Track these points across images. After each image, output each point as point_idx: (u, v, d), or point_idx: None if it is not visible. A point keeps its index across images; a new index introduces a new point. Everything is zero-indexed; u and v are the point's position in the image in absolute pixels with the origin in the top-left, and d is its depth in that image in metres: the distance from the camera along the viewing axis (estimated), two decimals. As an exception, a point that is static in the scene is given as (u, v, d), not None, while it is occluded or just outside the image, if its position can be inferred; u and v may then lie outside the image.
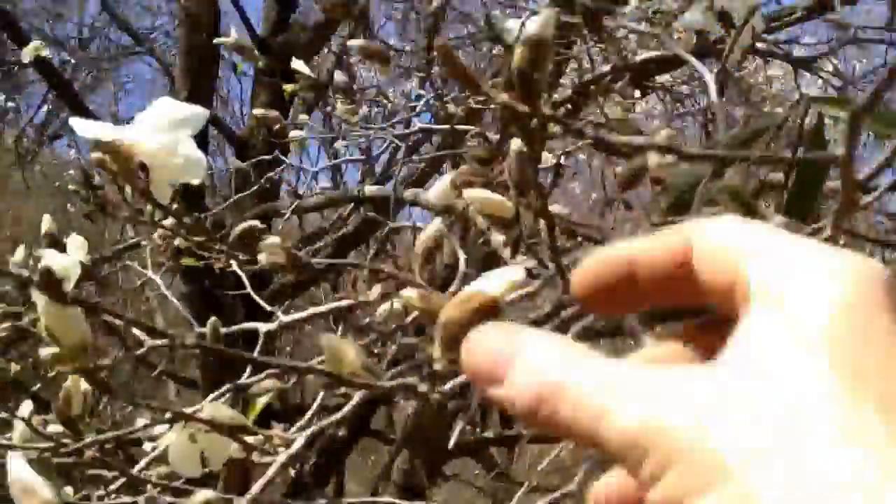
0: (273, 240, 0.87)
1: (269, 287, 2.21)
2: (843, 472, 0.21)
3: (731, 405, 0.23)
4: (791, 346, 0.24)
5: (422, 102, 1.55)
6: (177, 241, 1.18)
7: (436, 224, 0.67)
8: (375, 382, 0.46)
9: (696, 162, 0.49)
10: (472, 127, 1.48)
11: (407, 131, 1.49)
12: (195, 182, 0.65)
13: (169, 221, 1.02)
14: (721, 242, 0.28)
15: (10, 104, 6.62)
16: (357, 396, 0.61)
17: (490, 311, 0.39)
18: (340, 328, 0.99)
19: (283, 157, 1.60)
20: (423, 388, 0.47)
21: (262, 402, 0.66)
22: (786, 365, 0.23)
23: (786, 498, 0.21)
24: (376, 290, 0.63)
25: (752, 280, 0.26)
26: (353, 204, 2.17)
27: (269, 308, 1.18)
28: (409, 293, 0.53)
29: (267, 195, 2.21)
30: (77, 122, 0.60)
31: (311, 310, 1.11)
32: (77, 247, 1.07)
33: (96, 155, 0.62)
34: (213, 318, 0.71)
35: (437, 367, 0.44)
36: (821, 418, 0.22)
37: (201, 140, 2.55)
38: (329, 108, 3.13)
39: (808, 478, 0.22)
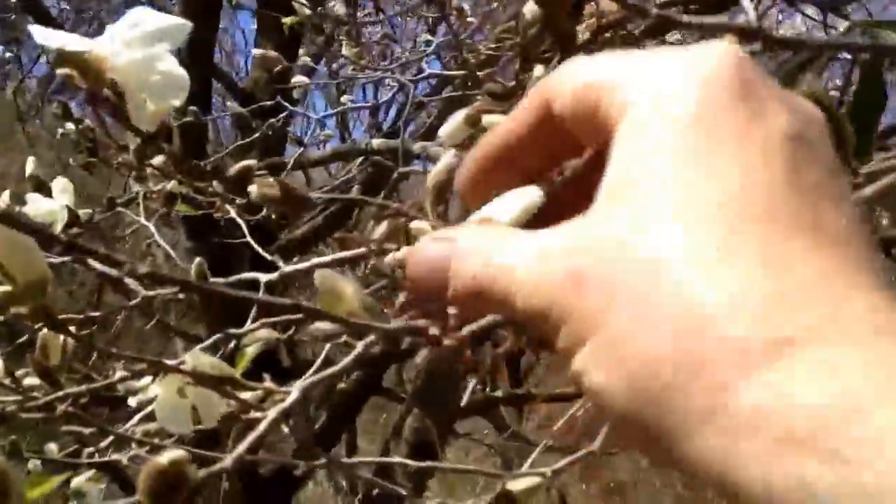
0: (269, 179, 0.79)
1: (275, 243, 2.13)
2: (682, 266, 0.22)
3: (590, 264, 0.24)
4: (648, 176, 0.24)
5: (431, 48, 1.46)
6: (170, 186, 1.10)
7: (449, 156, 0.59)
8: (381, 325, 0.38)
9: (781, 49, 0.41)
10: (486, 71, 1.40)
11: (417, 77, 1.41)
12: (175, 104, 0.57)
13: (158, 160, 0.94)
14: (585, 79, 0.27)
15: (8, 54, 6.48)
16: (359, 346, 0.53)
17: None
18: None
19: (287, 104, 1.52)
20: (434, 331, 0.39)
21: (251, 352, 0.58)
22: (642, 199, 0.24)
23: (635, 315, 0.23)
24: (382, 227, 0.55)
25: (612, 111, 0.25)
26: (360, 158, 2.08)
27: (269, 257, 1.10)
28: (420, 225, 0.44)
29: (271, 148, 2.11)
30: (37, 30, 0.52)
31: (315, 260, 1.03)
32: (62, 190, 1.00)
33: (63, 70, 0.54)
34: (198, 259, 0.64)
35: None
36: (673, 250, 0.23)
37: (204, 92, 2.46)
38: (334, 66, 3.04)
39: (656, 297, 0.22)
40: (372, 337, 0.55)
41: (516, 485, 0.61)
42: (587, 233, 0.25)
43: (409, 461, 0.86)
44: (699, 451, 0.22)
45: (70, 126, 1.36)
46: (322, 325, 0.71)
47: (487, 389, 2.96)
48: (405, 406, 2.61)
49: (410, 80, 1.36)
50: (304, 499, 4.28)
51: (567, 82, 0.28)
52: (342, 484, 4.46)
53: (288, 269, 1.02)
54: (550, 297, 0.25)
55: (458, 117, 0.73)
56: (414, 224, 0.45)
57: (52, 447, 0.99)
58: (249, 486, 2.68)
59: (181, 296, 1.48)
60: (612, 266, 0.24)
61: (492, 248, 0.27)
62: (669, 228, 0.23)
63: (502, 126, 0.31)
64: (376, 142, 1.84)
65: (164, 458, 0.39)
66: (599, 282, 0.24)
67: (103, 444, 0.87)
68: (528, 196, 0.31)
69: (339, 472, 4.35)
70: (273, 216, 1.75)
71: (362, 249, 0.75)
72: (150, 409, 0.80)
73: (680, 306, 0.22)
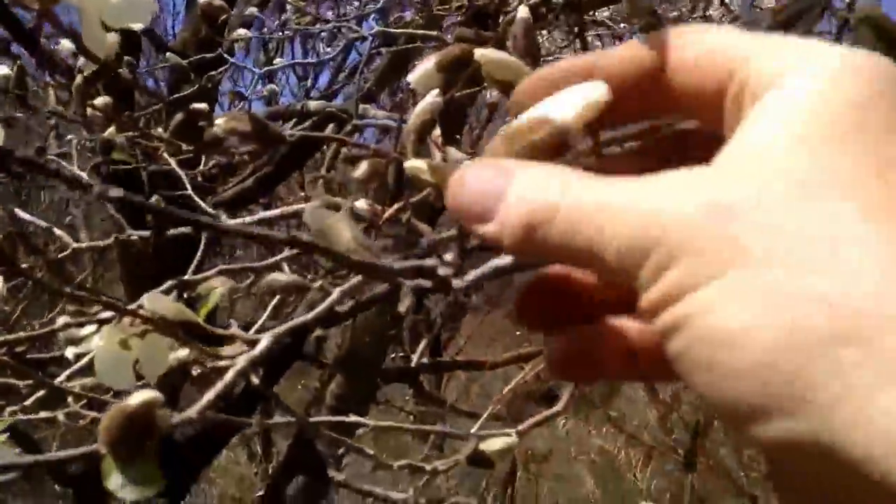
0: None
1: (213, 196, 2.03)
2: (854, 240, 0.20)
3: (739, 199, 0.22)
4: (796, 144, 0.22)
5: (379, 4, 1.40)
6: (108, 133, 1.02)
7: (432, 97, 0.54)
8: (387, 264, 0.34)
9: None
10: (432, 33, 1.35)
11: (361, 33, 1.34)
12: (137, 27, 0.51)
13: (102, 101, 0.87)
14: (712, 47, 0.26)
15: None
16: (335, 294, 0.49)
17: (557, 148, 0.27)
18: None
19: (228, 56, 1.44)
20: (443, 270, 0.35)
21: (213, 300, 0.53)
22: (795, 160, 0.22)
23: (795, 269, 0.20)
24: (362, 167, 0.50)
25: (752, 80, 0.24)
26: (294, 120, 2.01)
27: (212, 212, 1.04)
28: (417, 163, 0.40)
29: (207, 102, 2.01)
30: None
31: (261, 214, 0.98)
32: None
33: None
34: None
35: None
36: (829, 196, 0.21)
37: (133, 49, 2.34)
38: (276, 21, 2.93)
39: (816, 251, 0.20)
40: (347, 286, 0.50)
41: (489, 445, 0.58)
42: (731, 171, 0.23)
43: (365, 420, 0.82)
44: (881, 412, 0.19)
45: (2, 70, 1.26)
46: (278, 277, 0.66)
47: (410, 356, 2.93)
48: (328, 372, 2.56)
49: (371, 33, 1.30)
50: (217, 466, 4.19)
51: (690, 46, 0.26)
52: (256, 451, 4.39)
53: (232, 223, 0.96)
54: (665, 230, 0.22)
55: (427, 64, 0.68)
56: (409, 163, 0.41)
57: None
58: (165, 451, 2.59)
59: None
60: (775, 205, 0.21)
61: (562, 183, 0.25)
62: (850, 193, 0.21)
63: (602, 54, 0.29)
64: (313, 104, 1.77)
65: (134, 399, 0.33)
66: (757, 214, 0.21)
67: (30, 400, 0.80)
68: (593, 91, 0.26)
69: (256, 439, 4.27)
70: (211, 170, 1.66)
71: (303, 206, 0.71)
72: (85, 361, 0.74)
73: (870, 256, 0.20)
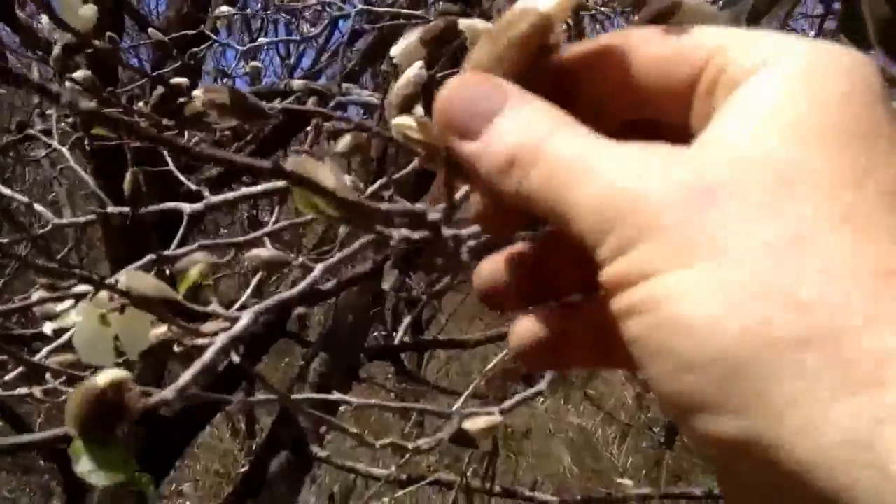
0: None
1: (198, 174, 2.00)
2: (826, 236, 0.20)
3: (716, 187, 0.21)
4: (782, 133, 0.21)
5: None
6: (90, 104, 0.99)
7: (416, 69, 0.53)
8: (373, 204, 0.32)
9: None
10: (418, 12, 1.33)
11: (345, 12, 1.32)
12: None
13: (81, 74, 0.84)
14: (685, 40, 0.25)
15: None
16: (317, 270, 0.47)
17: (540, 43, 0.26)
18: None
19: (210, 34, 1.41)
20: (434, 215, 0.33)
21: (192, 274, 0.51)
22: (775, 154, 0.21)
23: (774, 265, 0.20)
24: (344, 141, 0.49)
25: (729, 71, 0.23)
26: (278, 99, 1.98)
27: (194, 188, 1.02)
28: (405, 120, 0.38)
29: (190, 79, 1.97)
30: None
31: (244, 190, 0.96)
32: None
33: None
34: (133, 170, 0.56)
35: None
36: (809, 197, 0.20)
37: (117, 27, 2.30)
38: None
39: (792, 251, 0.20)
40: (329, 262, 0.49)
41: (474, 424, 0.57)
42: (709, 157, 0.22)
43: (347, 398, 0.81)
44: (831, 424, 0.18)
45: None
46: (260, 252, 0.64)
47: (392, 335, 2.92)
48: (311, 350, 2.55)
49: (355, 11, 1.27)
50: (201, 443, 4.18)
51: (663, 39, 0.25)
52: (240, 427, 4.39)
53: (215, 199, 0.94)
54: (636, 204, 0.21)
55: (411, 37, 0.67)
56: (397, 119, 0.39)
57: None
58: (149, 427, 2.57)
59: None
60: (753, 197, 0.21)
61: (552, 126, 0.24)
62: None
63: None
64: (296, 83, 1.75)
65: (102, 378, 0.31)
66: (733, 204, 0.21)
67: (9, 376, 0.78)
68: None
69: (240, 416, 4.26)
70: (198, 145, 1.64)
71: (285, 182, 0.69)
72: (66, 337, 0.72)
73: (844, 263, 0.20)
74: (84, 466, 0.28)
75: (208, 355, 0.42)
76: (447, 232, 0.33)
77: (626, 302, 0.22)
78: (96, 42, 0.63)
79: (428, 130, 0.35)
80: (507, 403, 0.67)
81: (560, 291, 0.30)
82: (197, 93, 0.50)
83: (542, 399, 4.54)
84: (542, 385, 0.69)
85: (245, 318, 0.45)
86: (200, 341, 0.44)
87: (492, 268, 0.30)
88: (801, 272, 0.19)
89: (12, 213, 1.93)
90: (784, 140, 0.21)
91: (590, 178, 0.22)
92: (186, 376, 0.40)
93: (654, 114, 0.26)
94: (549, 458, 3.94)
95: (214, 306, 0.46)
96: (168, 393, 0.38)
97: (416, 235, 0.34)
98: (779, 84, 0.22)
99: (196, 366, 0.40)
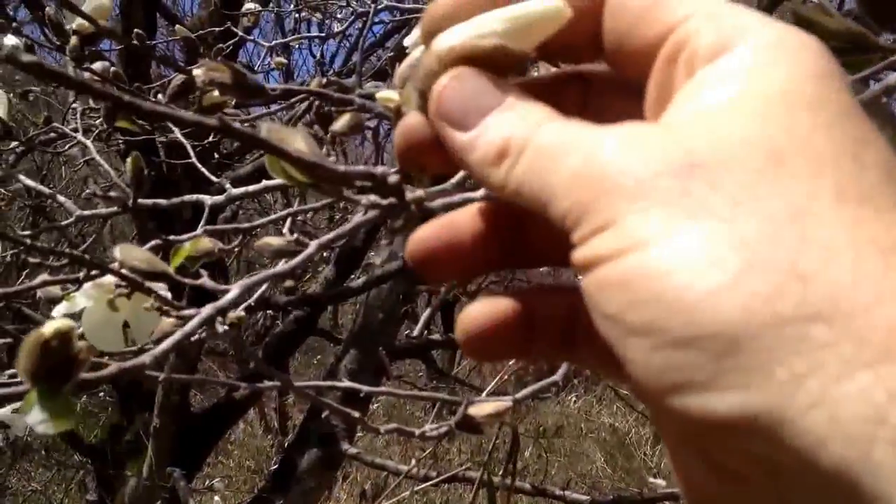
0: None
1: (214, 159, 2.00)
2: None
3: (708, 162, 0.20)
4: (766, 110, 0.21)
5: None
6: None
7: (419, 51, 0.52)
8: (332, 165, 0.31)
9: None
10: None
11: (365, 9, 1.31)
12: None
13: (100, 65, 0.85)
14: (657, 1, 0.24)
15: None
16: (312, 246, 0.47)
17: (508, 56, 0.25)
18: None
19: (236, 29, 1.42)
20: (394, 178, 0.32)
21: (186, 248, 0.50)
22: (765, 131, 0.20)
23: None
24: (342, 120, 0.48)
25: (704, 41, 0.23)
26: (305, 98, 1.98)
27: (214, 179, 1.02)
28: (387, 93, 0.38)
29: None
30: None
31: (265, 182, 0.95)
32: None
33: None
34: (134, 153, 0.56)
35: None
36: (804, 172, 0.20)
37: (149, 26, 2.33)
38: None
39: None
40: (324, 239, 0.48)
41: (480, 410, 0.56)
42: (691, 131, 0.21)
43: (358, 385, 0.80)
44: (850, 396, 0.17)
45: (9, 40, 1.24)
46: (271, 241, 0.64)
47: (424, 333, 2.92)
48: (342, 347, 2.55)
49: (380, 8, 1.27)
50: (234, 439, 4.21)
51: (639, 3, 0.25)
52: (273, 424, 4.41)
53: (236, 191, 0.94)
54: (626, 180, 0.21)
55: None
56: (380, 93, 0.38)
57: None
58: (181, 423, 2.60)
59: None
60: (745, 171, 0.20)
61: (540, 120, 0.24)
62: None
63: None
64: (314, 81, 1.75)
65: (47, 327, 0.30)
66: (724, 176, 0.20)
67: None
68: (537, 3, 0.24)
69: (272, 412, 4.28)
70: (217, 140, 1.64)
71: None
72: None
73: (843, 238, 0.19)
74: (35, 417, 0.27)
75: (191, 325, 0.41)
76: (412, 196, 0.32)
77: (605, 277, 0.21)
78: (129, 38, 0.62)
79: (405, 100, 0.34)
80: (521, 393, 0.66)
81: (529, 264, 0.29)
82: (197, 71, 0.49)
83: (573, 398, 4.50)
84: (556, 376, 0.68)
85: (233, 291, 0.44)
86: (186, 312, 0.44)
87: (444, 233, 0.29)
88: (800, 247, 0.19)
89: (46, 209, 1.96)
90: (770, 116, 0.21)
91: (571, 158, 0.22)
92: (165, 344, 0.39)
93: (612, 65, 0.26)
94: (581, 458, 3.91)
95: (204, 280, 0.45)
96: (146, 357, 0.37)
97: (384, 202, 0.33)
98: (758, 58, 0.22)
99: (177, 335, 0.39)
